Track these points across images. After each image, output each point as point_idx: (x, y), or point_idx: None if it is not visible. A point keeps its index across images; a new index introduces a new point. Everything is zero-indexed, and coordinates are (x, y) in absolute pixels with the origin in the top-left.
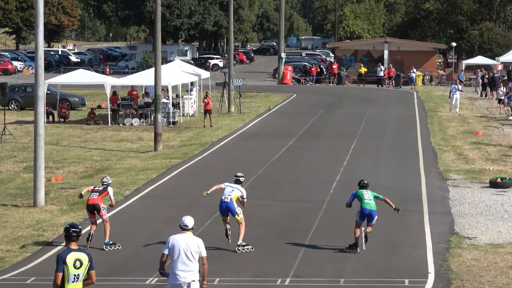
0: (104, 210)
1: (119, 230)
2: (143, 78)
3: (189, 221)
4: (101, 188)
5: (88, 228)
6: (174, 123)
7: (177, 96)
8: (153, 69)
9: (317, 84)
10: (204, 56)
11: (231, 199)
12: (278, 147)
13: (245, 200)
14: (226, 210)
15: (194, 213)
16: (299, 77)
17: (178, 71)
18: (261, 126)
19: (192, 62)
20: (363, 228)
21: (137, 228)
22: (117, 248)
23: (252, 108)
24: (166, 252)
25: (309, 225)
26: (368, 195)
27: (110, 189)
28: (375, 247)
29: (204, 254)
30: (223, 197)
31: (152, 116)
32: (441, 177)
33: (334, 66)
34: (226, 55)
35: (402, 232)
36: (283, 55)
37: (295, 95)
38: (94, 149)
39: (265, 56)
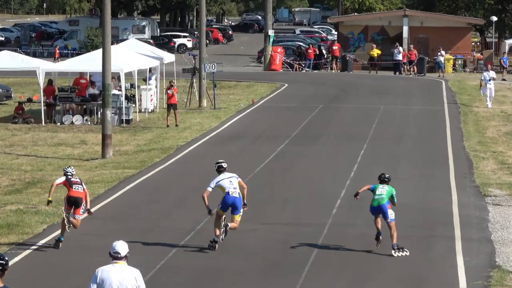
0: (82, 210)
1: (55, 262)
2: (87, 63)
3: (121, 247)
4: (79, 180)
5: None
6: (128, 121)
7: (132, 86)
8: (100, 50)
9: (316, 71)
10: (168, 33)
11: (239, 193)
12: (264, 154)
13: (241, 182)
14: (231, 205)
15: (154, 239)
16: (291, 62)
17: (133, 54)
18: (242, 126)
19: (151, 41)
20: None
21: (80, 261)
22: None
23: (230, 102)
24: None
25: (305, 257)
26: (381, 190)
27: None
28: (394, 283)
29: None
30: (228, 191)
31: (99, 113)
32: (478, 193)
33: (336, 47)
34: (196, 33)
35: (427, 264)
36: (270, 32)
37: (286, 85)
38: (23, 155)
39: (247, 34)
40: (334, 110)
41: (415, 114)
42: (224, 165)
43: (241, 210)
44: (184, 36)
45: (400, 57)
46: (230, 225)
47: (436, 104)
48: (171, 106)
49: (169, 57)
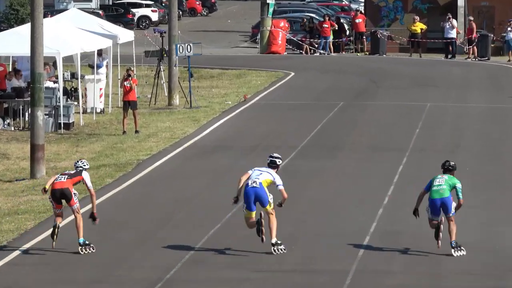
0: (76, 197)
1: None
2: (9, 43)
3: None
4: (72, 172)
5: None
6: (68, 126)
7: (74, 76)
8: (27, 26)
9: (334, 54)
10: (124, 1)
11: (260, 183)
12: None
13: (282, 187)
14: (255, 199)
15: None
16: (300, 41)
17: (75, 30)
18: (230, 132)
19: (101, 12)
20: (442, 221)
21: None
22: (92, 251)
23: (213, 99)
24: None
25: None
26: (439, 181)
27: (86, 174)
28: None
29: None
30: (249, 182)
31: (26, 114)
32: None
33: (361, 20)
34: (164, 0)
35: None
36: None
37: (292, 74)
38: None
39: (237, 1)
40: (359, 109)
41: (476, 114)
42: (278, 162)
43: (271, 200)
44: (147, 5)
45: (453, 33)
46: (262, 221)
47: (506, 100)
48: (128, 105)
49: (126, 35)
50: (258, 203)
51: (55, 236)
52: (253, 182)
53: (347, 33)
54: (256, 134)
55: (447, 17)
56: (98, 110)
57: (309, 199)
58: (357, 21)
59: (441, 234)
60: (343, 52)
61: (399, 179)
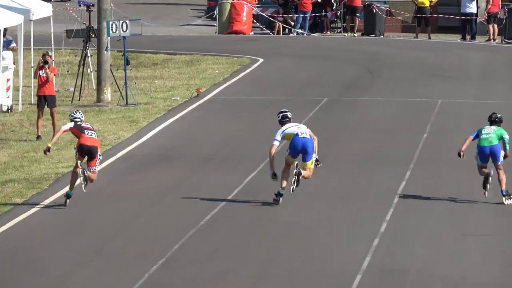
0: (99, 161)
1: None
2: None
3: None
4: (91, 127)
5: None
6: None
7: None
8: None
9: (316, 34)
10: None
11: (310, 136)
12: (219, 191)
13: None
14: (301, 149)
15: None
16: (271, 17)
17: None
18: (178, 138)
19: None
20: (491, 173)
21: None
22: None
23: (156, 94)
24: None
25: None
26: (488, 130)
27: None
28: None
29: None
30: (299, 133)
31: None
32: None
33: None
34: None
35: None
36: None
37: (261, 60)
38: None
39: None
40: (349, 107)
41: (502, 115)
42: (289, 114)
43: (314, 157)
44: None
45: (473, 7)
46: (304, 173)
47: None
48: (45, 101)
49: (41, 9)
50: (301, 155)
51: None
52: (303, 134)
53: (334, 6)
54: (213, 140)
55: None
56: (4, 108)
57: (285, 224)
58: None
59: (489, 185)
60: (328, 32)
61: (400, 201)
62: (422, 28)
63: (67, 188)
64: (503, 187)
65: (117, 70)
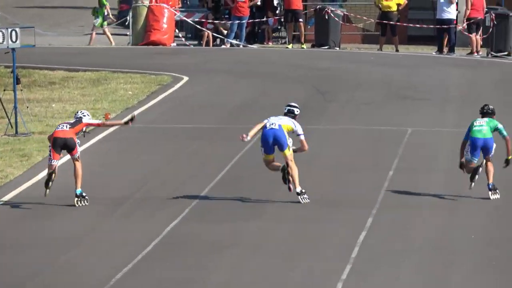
0: (78, 145)
1: None
2: None
3: None
4: (72, 121)
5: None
6: None
7: None
8: None
9: (255, 46)
10: None
11: (280, 125)
12: (133, 245)
13: (303, 137)
14: (273, 141)
15: None
16: (198, 24)
17: None
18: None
19: None
20: (481, 165)
21: None
22: (86, 204)
23: (53, 120)
24: None
25: None
26: (480, 122)
27: (86, 119)
28: None
29: None
30: (267, 124)
31: None
32: None
33: None
34: None
35: None
36: None
37: (185, 78)
38: None
39: None
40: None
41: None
42: (296, 111)
43: (290, 144)
44: None
45: (452, 12)
46: (289, 167)
47: None
48: None
49: None
50: (277, 147)
51: (50, 183)
52: (272, 124)
53: (277, 10)
54: (126, 180)
55: None
56: None
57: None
58: None
59: (477, 177)
60: (270, 43)
61: (360, 254)
62: (388, 38)
63: None
64: (491, 180)
65: (4, 90)
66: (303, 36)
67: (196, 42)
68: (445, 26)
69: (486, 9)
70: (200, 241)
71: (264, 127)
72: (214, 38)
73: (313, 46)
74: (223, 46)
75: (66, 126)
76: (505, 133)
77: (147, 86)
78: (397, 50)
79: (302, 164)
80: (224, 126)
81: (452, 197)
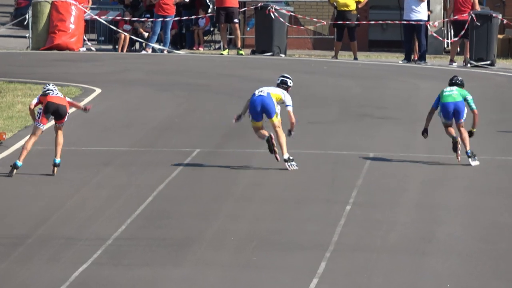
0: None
1: None
2: None
3: None
4: (61, 95)
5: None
6: None
7: None
8: None
9: (182, 52)
10: None
11: (268, 93)
12: None
13: (291, 108)
14: (261, 108)
15: None
16: (112, 24)
17: None
18: None
19: None
20: (458, 138)
21: None
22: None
23: None
24: None
25: None
26: (449, 88)
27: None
28: None
29: None
30: (256, 92)
31: None
32: None
33: None
34: None
35: None
36: None
37: (98, 90)
38: None
39: None
40: (231, 162)
41: (464, 175)
42: (289, 82)
43: (278, 111)
44: None
45: (422, 12)
46: (276, 133)
47: None
48: None
49: None
50: (265, 114)
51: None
52: (260, 92)
53: (209, 9)
54: (26, 215)
55: None
56: None
57: None
58: None
59: (459, 148)
60: (201, 49)
61: None
62: (344, 44)
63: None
64: (468, 147)
65: None
66: (240, 40)
67: (110, 47)
68: (415, 28)
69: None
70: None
71: (253, 94)
72: (133, 42)
73: (253, 52)
74: (143, 52)
75: (60, 94)
76: (473, 106)
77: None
78: (355, 58)
79: (240, 197)
80: (143, 149)
81: (421, 238)
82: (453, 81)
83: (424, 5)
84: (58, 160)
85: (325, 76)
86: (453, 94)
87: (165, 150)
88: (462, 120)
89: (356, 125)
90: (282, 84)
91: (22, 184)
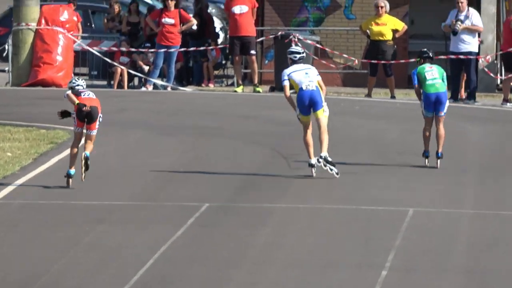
0: (99, 123)
1: None
2: None
3: None
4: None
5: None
6: None
7: None
8: None
9: (189, 89)
10: None
11: (317, 86)
12: None
13: (319, 77)
14: (309, 102)
15: None
16: (107, 56)
17: None
18: None
19: None
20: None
21: None
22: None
23: None
24: None
25: None
26: (432, 74)
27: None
28: None
29: None
30: (302, 86)
31: None
32: None
33: (241, 10)
34: None
35: None
36: None
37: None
38: None
39: None
40: (248, 219)
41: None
42: (301, 52)
43: (325, 104)
44: None
45: (472, 44)
46: (320, 125)
47: None
48: None
49: None
50: (312, 107)
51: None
52: (308, 86)
53: (220, 38)
54: (8, 280)
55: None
56: None
57: None
58: (236, 11)
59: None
60: (211, 85)
61: None
62: (379, 79)
63: None
64: (440, 149)
65: None
66: (257, 75)
67: (105, 83)
68: (463, 62)
69: None
70: None
71: (300, 88)
72: (131, 77)
73: (272, 89)
74: (143, 89)
75: (93, 95)
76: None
77: (34, 145)
78: (392, 97)
79: (256, 261)
80: (142, 204)
81: None
82: (426, 55)
83: (473, 36)
84: (72, 171)
85: (357, 117)
86: (436, 83)
87: (168, 205)
88: (443, 113)
89: (394, 175)
90: (302, 60)
91: (1, 245)
